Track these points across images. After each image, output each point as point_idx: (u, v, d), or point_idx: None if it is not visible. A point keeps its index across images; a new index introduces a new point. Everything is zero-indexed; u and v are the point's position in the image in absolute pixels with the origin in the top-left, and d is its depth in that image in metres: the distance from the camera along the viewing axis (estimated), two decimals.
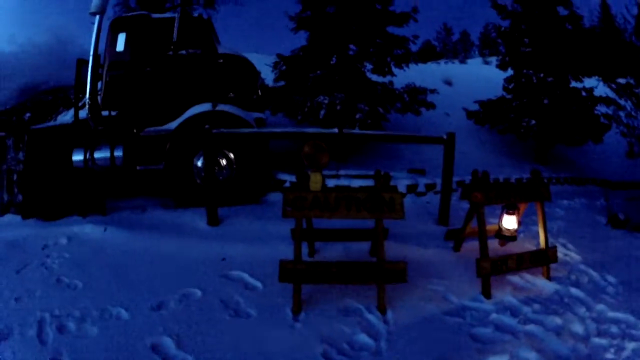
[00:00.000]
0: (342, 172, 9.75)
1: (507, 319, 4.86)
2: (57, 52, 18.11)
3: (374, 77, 14.66)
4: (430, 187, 10.13)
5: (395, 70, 14.86)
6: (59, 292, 5.30)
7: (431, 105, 14.33)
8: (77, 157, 8.80)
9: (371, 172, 10.13)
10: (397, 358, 4.05)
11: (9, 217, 8.42)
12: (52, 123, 9.81)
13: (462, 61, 38.34)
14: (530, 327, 4.72)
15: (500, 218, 6.48)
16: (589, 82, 16.50)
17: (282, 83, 14.15)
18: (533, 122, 15.41)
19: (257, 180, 9.31)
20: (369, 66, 14.60)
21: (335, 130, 7.77)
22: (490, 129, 17.13)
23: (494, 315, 4.90)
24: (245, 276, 5.56)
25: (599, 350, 4.44)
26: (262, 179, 9.40)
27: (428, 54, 55.40)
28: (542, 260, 6.02)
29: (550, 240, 7.07)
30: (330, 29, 13.59)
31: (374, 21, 13.89)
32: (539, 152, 16.48)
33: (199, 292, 5.14)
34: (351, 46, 14.09)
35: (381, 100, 13.52)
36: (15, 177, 8.67)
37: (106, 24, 9.52)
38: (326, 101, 12.22)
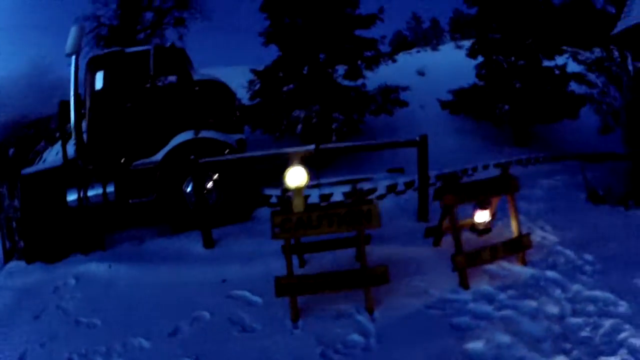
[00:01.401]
0: (323, 180, 10.15)
1: (484, 307, 5.28)
2: (35, 83, 17.49)
3: (347, 82, 15.06)
4: (409, 185, 10.46)
5: (367, 70, 15.32)
6: (80, 332, 5.79)
7: (404, 104, 14.88)
8: (71, 197, 9.03)
9: (352, 177, 10.68)
10: (385, 352, 4.60)
11: (14, 264, 8.71)
12: (41, 165, 10.04)
13: (435, 48, 38.63)
14: (506, 312, 5.11)
15: (473, 214, 6.84)
16: (561, 59, 16.78)
17: (258, 100, 14.55)
18: (507, 107, 16.00)
19: (245, 198, 9.72)
20: (341, 71, 15.05)
21: (312, 146, 8.27)
22: (466, 117, 17.42)
23: (471, 305, 5.34)
24: (247, 294, 6.10)
25: (574, 329, 4.77)
26: (250, 196, 9.80)
27: (400, 45, 55.54)
28: (516, 247, 6.37)
29: (529, 224, 7.56)
30: (300, 40, 14.06)
31: (342, 27, 14.38)
32: (517, 135, 16.77)
33: (207, 314, 5.70)
34: (322, 55, 14.51)
35: (355, 105, 14.02)
36: (14, 224, 8.94)
37: (83, 62, 9.80)
38: (302, 115, 12.81)
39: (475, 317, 5.11)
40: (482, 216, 6.82)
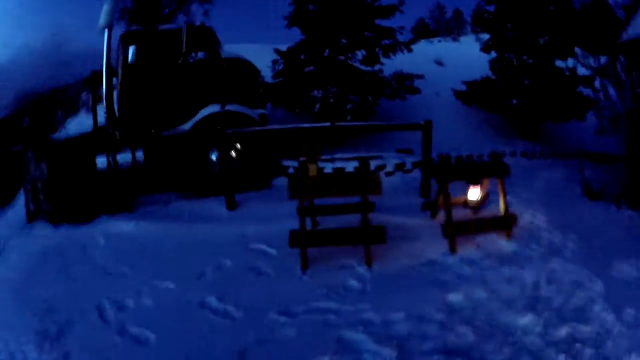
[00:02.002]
0: (337, 155, 10.88)
1: (467, 269, 6.03)
2: (52, 53, 17.58)
3: (364, 67, 15.65)
4: (416, 165, 11.06)
5: (385, 57, 15.85)
6: (109, 281, 6.42)
7: (417, 91, 15.50)
8: (100, 162, 9.61)
9: (363, 155, 11.46)
10: (377, 295, 5.45)
11: (38, 225, 8.88)
12: (70, 131, 10.68)
13: (455, 39, 37.92)
14: (485, 274, 5.83)
15: (466, 191, 7.71)
16: (572, 62, 16.53)
17: (280, 79, 15.30)
18: (514, 101, 16.28)
19: (265, 167, 10.44)
20: (360, 56, 15.66)
21: (328, 123, 9.09)
22: (478, 108, 17.73)
23: (456, 266, 6.12)
24: (263, 246, 6.99)
25: (547, 295, 5.31)
26: (269, 166, 10.47)
27: (422, 32, 55.47)
28: (502, 224, 7.11)
29: (521, 208, 8.12)
30: (322, 25, 14.73)
31: (363, 15, 14.95)
32: (525, 129, 17.11)
33: (229, 262, 6.60)
34: (342, 40, 15.14)
35: (370, 89, 14.71)
36: (40, 186, 9.11)
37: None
38: (320, 95, 13.58)
39: (458, 276, 5.86)
40: (473, 194, 7.67)
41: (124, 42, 10.63)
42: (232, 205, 9.02)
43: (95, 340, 5.00)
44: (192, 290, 5.87)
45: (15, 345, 4.98)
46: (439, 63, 24.78)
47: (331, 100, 13.82)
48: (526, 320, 4.87)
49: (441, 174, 7.19)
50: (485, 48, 18.11)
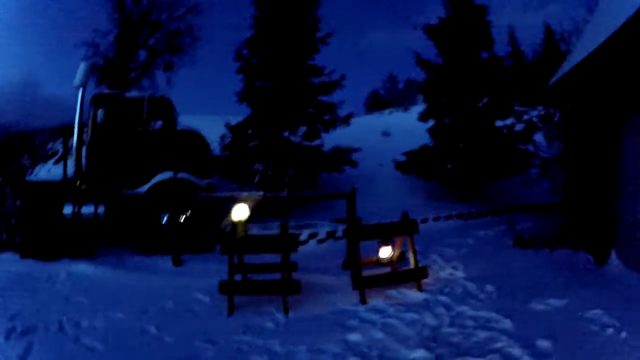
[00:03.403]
0: (272, 224, 11.85)
1: (373, 315, 6.80)
2: (17, 96, 18.19)
3: (306, 142, 17.14)
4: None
5: (334, 127, 17.46)
6: (70, 306, 7.79)
7: (354, 164, 16.83)
8: (67, 209, 10.75)
9: (299, 222, 12.77)
10: (286, 333, 6.53)
11: (7, 255, 10.44)
12: (42, 176, 11.48)
13: (407, 109, 38.93)
14: (388, 320, 6.53)
15: (378, 250, 8.60)
16: (510, 120, 18.02)
17: (227, 152, 16.81)
18: (449, 166, 17.35)
19: (210, 232, 11.53)
20: (301, 132, 17.13)
21: (262, 193, 10.41)
22: (417, 176, 18.73)
23: (362, 314, 6.93)
24: (201, 295, 8.19)
25: (446, 335, 5.89)
26: (214, 231, 11.54)
27: (375, 104, 57.21)
28: (412, 276, 7.90)
29: (443, 264, 9.18)
30: (268, 101, 16.31)
31: (307, 92, 16.67)
32: (462, 192, 18.18)
33: (170, 303, 7.86)
34: (287, 117, 16.62)
35: (309, 162, 16.12)
36: (13, 220, 10.52)
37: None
38: (260, 168, 14.97)
39: (363, 321, 6.67)
40: (385, 252, 8.59)
41: (95, 103, 11.87)
42: (178, 263, 10.23)
43: (53, 343, 6.37)
44: (137, 320, 7.13)
45: None
46: (386, 134, 26.35)
47: (269, 172, 15.23)
48: (418, 354, 5.44)
49: (351, 234, 8.34)
50: (422, 117, 19.38)
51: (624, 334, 5.59)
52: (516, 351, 5.25)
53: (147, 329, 6.82)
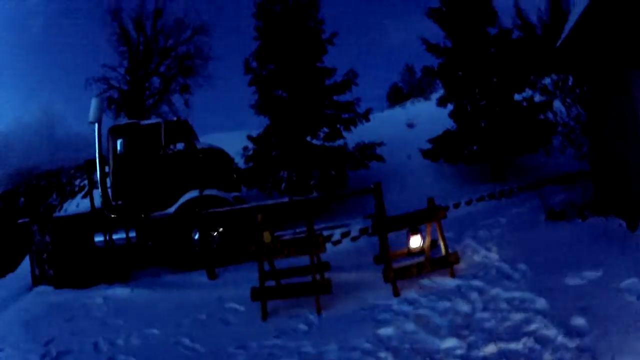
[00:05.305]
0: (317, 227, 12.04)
1: (405, 307, 6.79)
2: (44, 135, 19.06)
3: (328, 144, 17.24)
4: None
5: (354, 124, 17.33)
6: (105, 328, 8.10)
7: (380, 158, 16.78)
8: (98, 238, 11.23)
9: (331, 224, 12.83)
10: (319, 334, 6.64)
11: (42, 288, 10.82)
12: (72, 211, 12.11)
13: (427, 97, 37.34)
14: (421, 311, 6.49)
15: (407, 240, 8.52)
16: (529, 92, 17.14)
17: (251, 164, 16.88)
18: (475, 147, 17.13)
19: (242, 244, 11.33)
20: (322, 134, 17.23)
21: (286, 198, 10.58)
22: (446, 162, 18.33)
23: (395, 306, 6.92)
24: (235, 305, 8.34)
25: (478, 321, 5.83)
26: (246, 242, 11.79)
27: (396, 97, 55.84)
28: (444, 263, 7.82)
29: (476, 247, 8.78)
30: (286, 110, 16.47)
31: (322, 93, 16.72)
32: (492, 171, 17.63)
33: (204, 316, 8.06)
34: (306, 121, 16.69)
35: (334, 163, 16.16)
36: (45, 256, 10.91)
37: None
38: (285, 175, 15.13)
39: (395, 314, 6.67)
40: (415, 241, 8.48)
41: (113, 135, 12.23)
42: (212, 276, 10.43)
43: None
44: (171, 335, 7.40)
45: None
46: (411, 125, 25.81)
47: (294, 178, 15.44)
48: (449, 344, 5.43)
49: (378, 227, 8.40)
50: (441, 102, 19.02)
51: None
52: (551, 332, 5.19)
53: (180, 341, 7.06)
